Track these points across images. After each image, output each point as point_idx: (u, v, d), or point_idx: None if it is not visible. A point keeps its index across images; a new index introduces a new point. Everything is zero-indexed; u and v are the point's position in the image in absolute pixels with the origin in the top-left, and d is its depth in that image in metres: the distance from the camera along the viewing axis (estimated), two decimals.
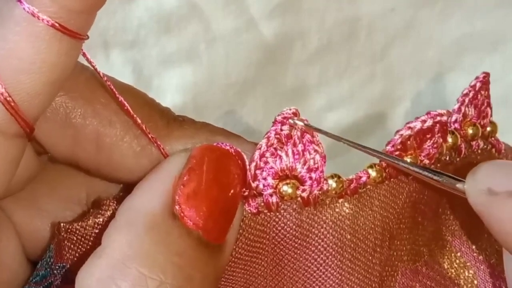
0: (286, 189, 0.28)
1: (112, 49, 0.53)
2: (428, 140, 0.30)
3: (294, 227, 0.28)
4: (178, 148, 0.29)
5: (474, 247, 0.33)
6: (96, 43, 0.53)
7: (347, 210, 0.29)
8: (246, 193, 0.28)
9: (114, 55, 0.53)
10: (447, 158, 0.31)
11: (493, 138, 0.33)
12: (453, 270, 0.32)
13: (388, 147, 0.29)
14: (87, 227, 0.29)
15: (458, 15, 0.58)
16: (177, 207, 0.26)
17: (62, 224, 0.29)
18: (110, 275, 0.25)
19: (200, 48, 0.55)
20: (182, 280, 0.25)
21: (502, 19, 0.59)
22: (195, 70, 0.55)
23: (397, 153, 0.29)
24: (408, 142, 0.29)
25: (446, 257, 0.32)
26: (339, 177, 0.29)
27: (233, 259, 0.29)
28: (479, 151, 0.32)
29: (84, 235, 0.29)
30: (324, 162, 0.28)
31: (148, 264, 0.25)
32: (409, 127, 0.29)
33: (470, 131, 0.31)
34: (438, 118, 0.29)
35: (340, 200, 0.29)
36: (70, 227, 0.29)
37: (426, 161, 0.30)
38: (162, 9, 0.54)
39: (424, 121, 0.29)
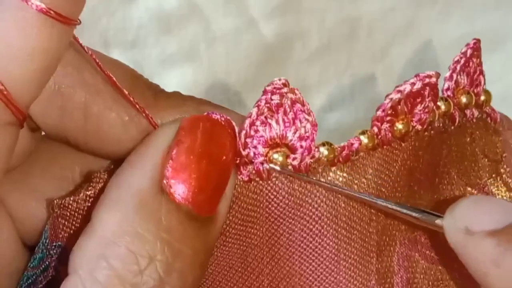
0: (277, 157, 0.28)
1: (112, 49, 0.53)
2: (419, 104, 0.29)
3: (286, 195, 0.28)
4: (166, 118, 0.28)
5: None
6: (96, 43, 0.53)
7: (340, 178, 0.29)
8: (238, 161, 0.28)
9: (114, 55, 0.53)
10: (441, 125, 0.30)
11: (487, 108, 0.33)
12: None
13: (379, 112, 0.29)
14: (79, 201, 0.29)
15: (458, 15, 0.58)
16: (165, 182, 0.25)
17: (55, 201, 0.29)
18: (101, 254, 0.25)
19: (200, 48, 0.55)
20: (172, 256, 0.25)
21: (502, 19, 0.59)
22: (195, 70, 0.55)
23: (388, 118, 0.29)
24: (399, 107, 0.29)
25: None
26: (330, 144, 0.28)
27: (228, 228, 0.29)
28: (474, 120, 0.32)
29: (77, 209, 0.29)
30: (315, 131, 0.28)
31: (137, 242, 0.25)
32: (399, 91, 0.29)
33: (463, 99, 0.31)
34: (427, 80, 0.29)
35: (333, 168, 0.28)
36: (63, 202, 0.29)
37: (419, 127, 0.29)
38: (162, 9, 0.54)
39: (413, 84, 0.29)
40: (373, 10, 0.58)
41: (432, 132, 0.30)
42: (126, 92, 0.28)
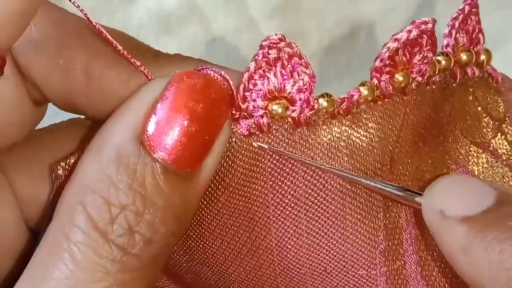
0: (276, 108, 0.28)
1: None
2: (417, 54, 0.29)
3: (288, 148, 0.28)
4: (166, 74, 0.28)
5: (484, 176, 0.32)
6: None
7: (341, 131, 0.28)
8: (237, 116, 0.28)
9: None
10: (442, 81, 0.30)
11: (488, 67, 0.32)
12: None
13: (377, 62, 0.28)
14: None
15: None
16: (145, 136, 0.26)
17: (60, 164, 0.29)
18: (79, 200, 0.25)
19: (200, 49, 0.55)
20: (143, 206, 0.25)
21: (502, 19, 0.59)
22: None
23: (387, 69, 0.28)
24: (397, 57, 0.28)
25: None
26: (330, 96, 0.28)
27: (231, 183, 0.28)
28: (475, 79, 0.32)
29: None
30: (314, 83, 0.28)
31: (110, 191, 0.25)
32: (396, 39, 0.28)
33: (463, 56, 0.31)
34: (423, 26, 0.28)
35: (334, 121, 0.28)
36: (67, 162, 0.29)
37: (419, 78, 0.29)
38: (162, 9, 0.54)
39: (409, 31, 0.28)
40: (373, 10, 0.58)
41: (434, 87, 0.30)
42: (124, 51, 0.28)
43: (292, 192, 0.28)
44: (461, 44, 0.31)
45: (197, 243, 0.30)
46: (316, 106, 0.28)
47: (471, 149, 0.32)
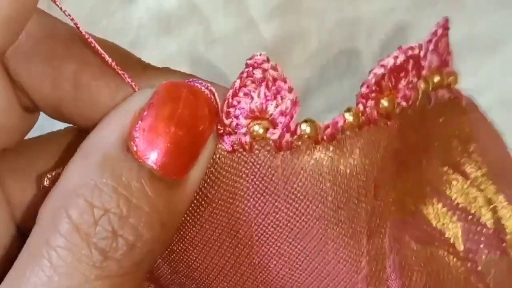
0: (257, 129, 0.28)
1: None
2: (403, 79, 0.29)
3: (270, 170, 0.28)
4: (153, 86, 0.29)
5: (458, 200, 0.32)
6: None
7: (325, 157, 0.28)
8: (221, 131, 0.28)
9: None
10: (420, 105, 0.30)
11: (455, 89, 0.33)
12: (438, 224, 0.32)
13: (363, 89, 0.28)
14: None
15: (458, 16, 0.58)
16: (131, 141, 0.26)
17: (47, 175, 0.29)
18: (62, 205, 0.25)
19: (200, 49, 0.55)
20: (127, 210, 0.26)
21: (502, 20, 0.59)
22: (195, 71, 0.55)
23: (373, 95, 0.28)
24: (383, 82, 0.28)
25: (430, 208, 0.32)
26: (313, 121, 0.28)
27: (214, 199, 0.28)
28: (446, 101, 0.32)
29: None
30: (296, 108, 0.28)
31: (94, 194, 0.25)
32: (382, 65, 0.28)
33: (436, 79, 0.31)
34: (410, 52, 0.29)
35: (318, 146, 0.28)
36: (55, 173, 0.29)
37: (404, 103, 0.29)
38: (162, 9, 0.54)
39: (396, 57, 0.28)
40: (373, 10, 0.58)
41: (413, 110, 0.30)
42: (112, 62, 0.28)
43: (274, 214, 0.29)
44: (434, 66, 0.31)
45: (181, 257, 0.30)
46: (298, 132, 0.28)
47: (445, 171, 0.32)
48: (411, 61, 0.29)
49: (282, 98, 0.28)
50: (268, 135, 0.27)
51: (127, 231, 0.26)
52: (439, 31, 0.31)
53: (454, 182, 0.32)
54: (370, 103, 0.29)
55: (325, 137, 0.28)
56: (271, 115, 0.28)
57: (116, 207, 0.25)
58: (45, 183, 0.29)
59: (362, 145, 0.29)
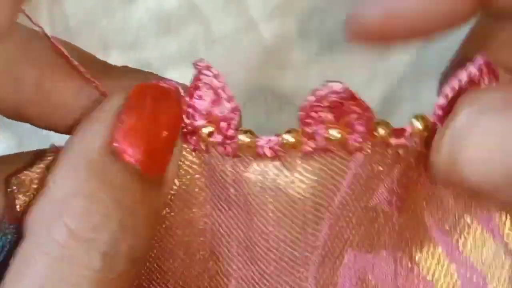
0: (205, 131, 0.29)
1: (111, 50, 0.53)
2: (348, 114, 0.29)
3: (221, 173, 0.29)
4: (116, 87, 0.30)
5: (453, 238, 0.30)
6: (96, 44, 0.53)
7: (269, 172, 0.29)
8: (185, 130, 0.29)
9: (113, 56, 0.53)
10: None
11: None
12: (427, 264, 0.30)
13: (301, 111, 0.28)
14: (38, 171, 0.30)
15: None
16: (115, 144, 0.27)
17: (13, 178, 0.29)
18: (56, 214, 0.26)
19: (200, 49, 0.55)
20: (123, 213, 0.26)
21: None
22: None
23: (310, 120, 0.28)
24: (320, 112, 0.29)
25: (423, 249, 0.30)
26: (252, 133, 0.29)
27: (175, 201, 0.30)
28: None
29: (35, 181, 0.30)
30: (235, 116, 0.29)
31: (90, 200, 0.26)
32: (314, 94, 0.28)
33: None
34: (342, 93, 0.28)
35: (264, 161, 0.29)
36: (20, 176, 0.29)
37: (356, 142, 0.29)
38: (162, 10, 0.54)
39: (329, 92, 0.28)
40: None
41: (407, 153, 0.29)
42: (76, 63, 0.29)
43: (226, 228, 0.30)
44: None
45: (154, 265, 0.31)
46: (237, 139, 0.29)
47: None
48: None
49: (224, 104, 0.29)
50: (211, 139, 0.29)
51: (125, 234, 0.26)
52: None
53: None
54: (312, 128, 0.28)
55: (267, 153, 0.28)
56: (215, 119, 0.29)
57: (115, 211, 0.26)
58: (13, 188, 0.29)
59: (312, 172, 0.29)
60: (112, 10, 0.53)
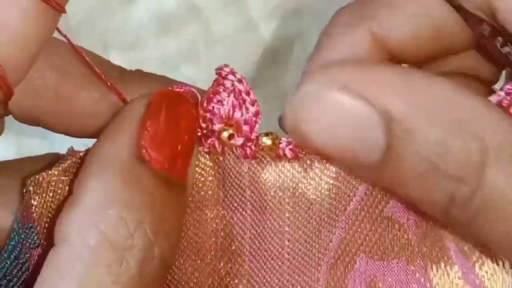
0: (226, 134, 0.29)
1: (111, 50, 0.53)
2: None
3: (238, 176, 0.29)
4: (134, 93, 0.30)
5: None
6: (96, 44, 0.53)
7: (287, 173, 0.29)
8: (200, 133, 0.29)
9: (113, 56, 0.53)
10: None
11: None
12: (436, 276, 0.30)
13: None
14: (55, 175, 0.30)
15: None
16: (143, 151, 0.27)
17: (29, 179, 0.29)
18: (91, 222, 0.26)
19: (200, 49, 0.55)
20: (155, 218, 0.26)
21: None
22: (194, 72, 0.55)
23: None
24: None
25: (439, 266, 0.30)
26: (275, 135, 0.29)
27: (190, 205, 0.30)
28: None
29: (51, 184, 0.30)
30: (257, 119, 0.29)
31: (125, 207, 0.26)
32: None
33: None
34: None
35: (282, 162, 0.29)
36: (37, 178, 0.30)
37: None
38: (162, 10, 0.54)
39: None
40: None
41: None
42: (97, 70, 0.30)
43: (239, 223, 0.30)
44: None
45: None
46: (259, 142, 0.29)
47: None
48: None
49: (246, 109, 0.29)
50: (232, 141, 0.29)
51: (161, 238, 0.26)
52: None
53: None
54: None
55: (288, 154, 0.29)
56: (236, 122, 0.29)
57: (149, 217, 0.26)
58: (30, 188, 0.29)
59: (333, 174, 0.29)
60: (112, 10, 0.53)
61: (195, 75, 0.55)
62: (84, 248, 0.25)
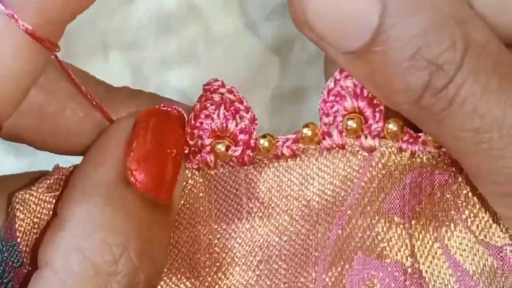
0: (220, 147, 0.29)
1: (111, 50, 0.53)
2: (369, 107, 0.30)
3: (233, 185, 0.29)
4: (120, 111, 0.30)
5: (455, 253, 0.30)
6: (95, 44, 0.53)
7: (285, 173, 0.29)
8: (187, 151, 0.29)
9: (113, 56, 0.53)
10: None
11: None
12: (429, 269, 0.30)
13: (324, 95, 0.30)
14: (39, 192, 0.29)
15: None
16: (129, 173, 0.27)
17: (16, 194, 0.29)
18: (75, 246, 0.26)
19: (200, 50, 0.55)
20: (142, 243, 0.26)
21: None
22: (194, 72, 0.55)
23: (334, 109, 0.30)
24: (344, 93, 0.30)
25: (434, 266, 0.29)
26: (272, 136, 0.29)
27: (180, 220, 0.30)
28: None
29: (37, 201, 0.29)
30: (254, 125, 0.29)
31: (110, 233, 0.26)
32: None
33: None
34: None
35: (280, 162, 0.29)
36: (22, 195, 0.29)
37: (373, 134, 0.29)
38: (162, 10, 0.54)
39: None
40: None
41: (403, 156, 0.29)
42: (82, 87, 0.29)
43: (234, 235, 0.30)
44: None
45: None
46: (258, 146, 0.29)
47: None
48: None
49: (240, 118, 0.29)
50: (230, 152, 0.29)
51: (146, 263, 0.26)
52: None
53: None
54: (329, 119, 0.29)
55: (285, 152, 0.29)
56: (231, 133, 0.29)
57: (134, 242, 0.26)
58: (14, 205, 0.29)
59: (330, 171, 0.29)
60: (112, 10, 0.53)
61: (195, 75, 0.55)
62: (68, 274, 0.25)
